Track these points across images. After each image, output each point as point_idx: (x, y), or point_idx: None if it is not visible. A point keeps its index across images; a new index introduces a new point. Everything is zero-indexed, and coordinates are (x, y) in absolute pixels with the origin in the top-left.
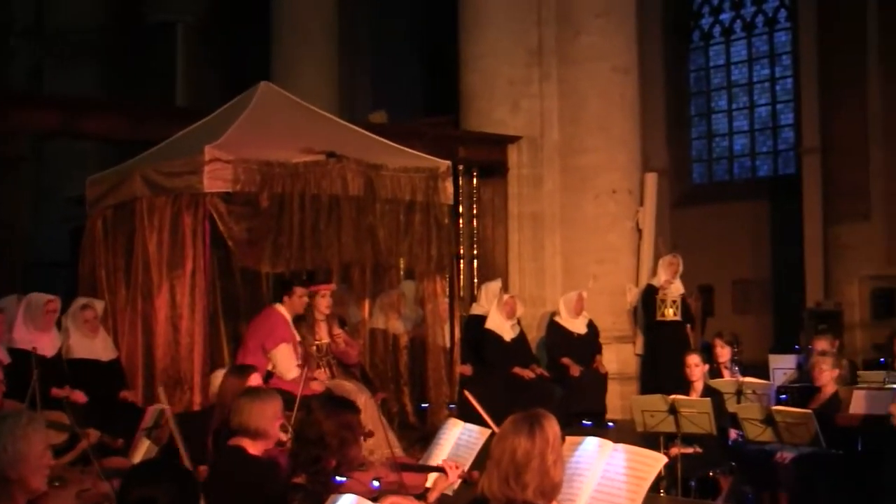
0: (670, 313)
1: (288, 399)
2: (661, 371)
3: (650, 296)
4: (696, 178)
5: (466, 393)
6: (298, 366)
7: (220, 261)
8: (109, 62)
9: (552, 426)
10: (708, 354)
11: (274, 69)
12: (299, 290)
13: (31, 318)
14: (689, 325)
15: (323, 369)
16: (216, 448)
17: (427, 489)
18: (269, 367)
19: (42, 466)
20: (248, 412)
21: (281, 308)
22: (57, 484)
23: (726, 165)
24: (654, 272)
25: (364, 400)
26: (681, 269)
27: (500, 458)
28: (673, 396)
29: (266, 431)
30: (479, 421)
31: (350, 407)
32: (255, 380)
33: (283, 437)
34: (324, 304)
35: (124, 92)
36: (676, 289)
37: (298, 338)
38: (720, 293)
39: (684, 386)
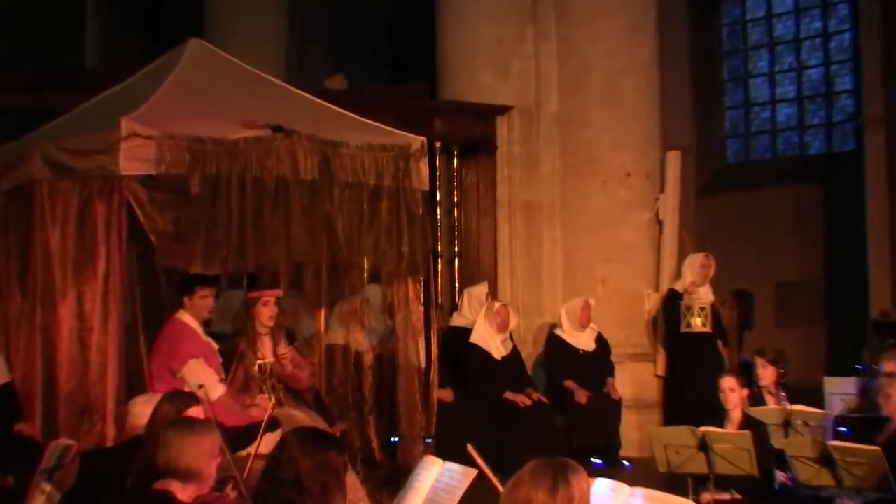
0: (698, 323)
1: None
2: (688, 396)
3: (673, 302)
4: (731, 156)
5: (471, 448)
6: (222, 380)
7: (139, 260)
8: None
9: (580, 483)
10: (747, 376)
11: (207, 25)
12: (201, 291)
13: None
14: (721, 341)
15: (267, 395)
16: (137, 494)
17: None
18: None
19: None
20: (178, 449)
21: (184, 316)
22: None
23: (768, 141)
24: (678, 274)
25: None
26: (713, 272)
27: None
28: (704, 428)
29: (200, 473)
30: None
31: (333, 444)
32: (195, 411)
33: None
34: (267, 314)
35: (24, 55)
36: (706, 294)
37: (215, 344)
38: (761, 300)
39: (718, 415)
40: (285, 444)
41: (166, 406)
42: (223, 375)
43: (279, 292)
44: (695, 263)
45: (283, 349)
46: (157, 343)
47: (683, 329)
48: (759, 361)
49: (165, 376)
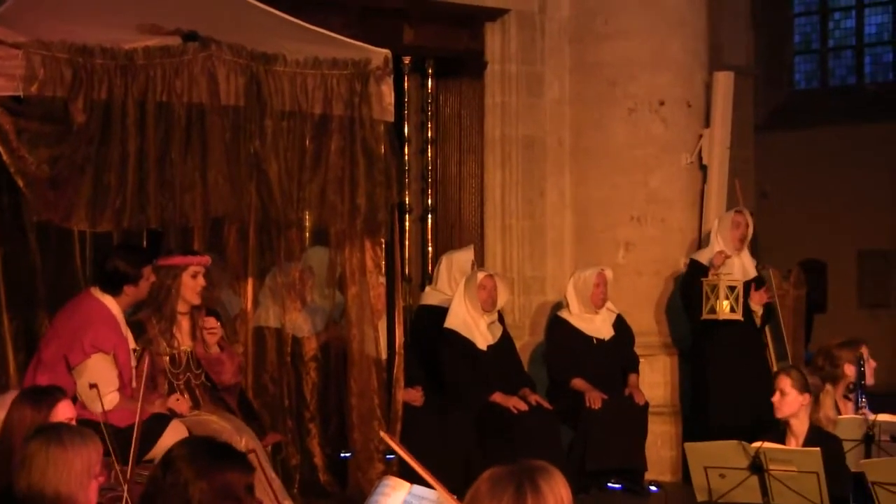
0: (724, 308)
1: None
2: (715, 403)
3: (695, 278)
4: (801, 81)
5: (384, 434)
6: (118, 390)
7: (2, 213)
8: None
9: (556, 489)
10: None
11: None
12: (147, 270)
13: None
14: (767, 327)
15: (181, 395)
16: None
17: None
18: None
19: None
20: (44, 467)
21: (103, 296)
22: None
23: (851, 61)
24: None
25: (245, 446)
26: (750, 232)
27: None
28: (758, 444)
29: (72, 499)
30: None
31: (235, 459)
32: (64, 412)
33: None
34: (194, 287)
35: None
36: (741, 267)
37: (133, 343)
38: (838, 274)
39: (774, 427)
40: (169, 463)
41: (24, 410)
42: (131, 385)
43: (208, 259)
44: (724, 224)
45: (212, 323)
46: (60, 323)
47: (705, 315)
48: (835, 354)
49: (58, 369)
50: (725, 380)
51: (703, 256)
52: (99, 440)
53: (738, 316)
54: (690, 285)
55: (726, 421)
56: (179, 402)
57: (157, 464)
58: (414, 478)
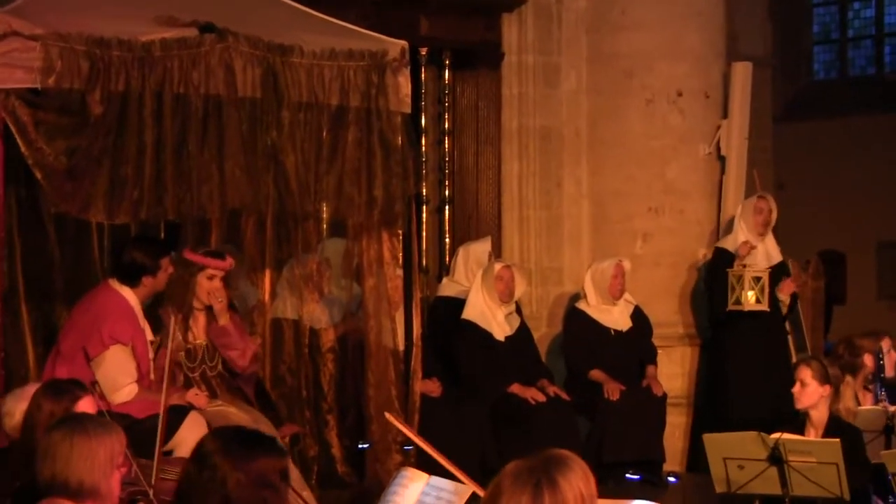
0: (750, 299)
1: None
2: (735, 392)
3: (720, 267)
4: (820, 71)
5: (389, 416)
6: (138, 380)
7: (21, 204)
8: None
9: (575, 481)
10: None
11: None
12: (166, 262)
13: None
14: (787, 319)
15: (198, 388)
16: None
17: None
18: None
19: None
20: (66, 459)
21: (122, 287)
22: None
23: (871, 51)
24: (728, 228)
25: None
26: (774, 218)
27: None
28: (777, 435)
29: (96, 489)
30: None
31: (268, 445)
32: (86, 405)
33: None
34: (208, 289)
35: None
36: (766, 253)
37: (150, 335)
38: (857, 264)
39: (794, 417)
40: (202, 458)
41: (47, 402)
42: (149, 377)
43: (230, 264)
44: (747, 210)
45: (224, 312)
46: (78, 314)
47: (731, 306)
48: (856, 344)
49: (77, 360)
50: (747, 371)
51: (728, 243)
52: (122, 430)
53: (765, 307)
54: (716, 274)
55: (747, 413)
56: (198, 396)
57: (188, 460)
58: (432, 469)
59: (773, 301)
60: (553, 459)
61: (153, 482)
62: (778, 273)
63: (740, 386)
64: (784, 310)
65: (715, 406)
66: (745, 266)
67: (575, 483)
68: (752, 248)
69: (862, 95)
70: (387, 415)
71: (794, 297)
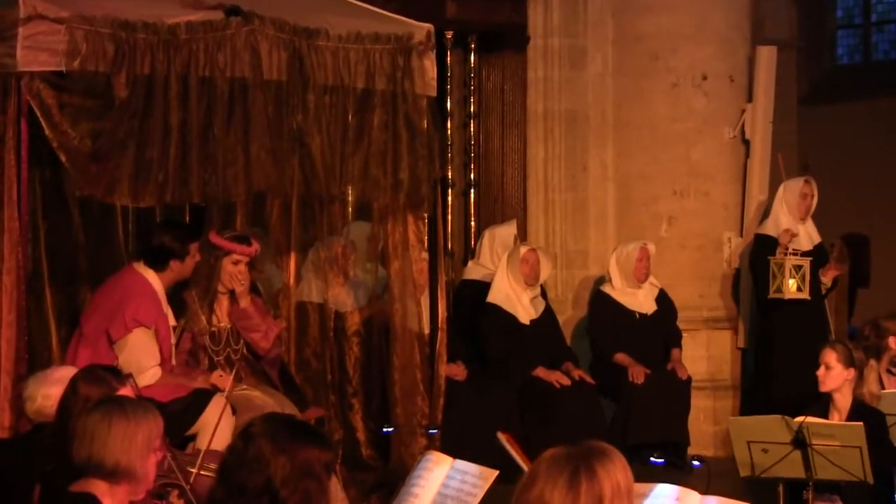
0: (791, 287)
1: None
2: (780, 381)
3: (762, 254)
4: (844, 55)
5: (503, 436)
6: (160, 365)
7: (45, 187)
8: None
9: (612, 474)
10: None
11: None
12: (195, 247)
13: None
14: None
15: (223, 371)
16: (49, 499)
17: None
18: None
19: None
20: (104, 440)
21: (147, 270)
22: None
23: (894, 35)
24: (766, 212)
25: None
26: (815, 203)
27: None
28: (801, 419)
29: (132, 471)
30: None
31: (317, 437)
32: (127, 392)
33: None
34: (234, 273)
35: None
36: (808, 236)
37: (173, 321)
38: (881, 248)
39: (818, 401)
40: (250, 438)
41: (84, 388)
42: (171, 361)
43: (255, 249)
44: (792, 193)
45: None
46: (101, 297)
47: (773, 294)
48: (882, 326)
49: (100, 343)
50: (791, 355)
51: (769, 229)
52: (160, 414)
53: (805, 295)
54: (758, 261)
55: (792, 397)
56: (223, 378)
57: (236, 436)
58: (457, 453)
59: (815, 287)
60: (594, 449)
61: (193, 477)
62: (818, 255)
63: (785, 370)
64: (823, 291)
65: (761, 390)
66: (786, 254)
67: (613, 474)
68: (794, 235)
69: (886, 79)
70: (500, 435)
71: (835, 280)
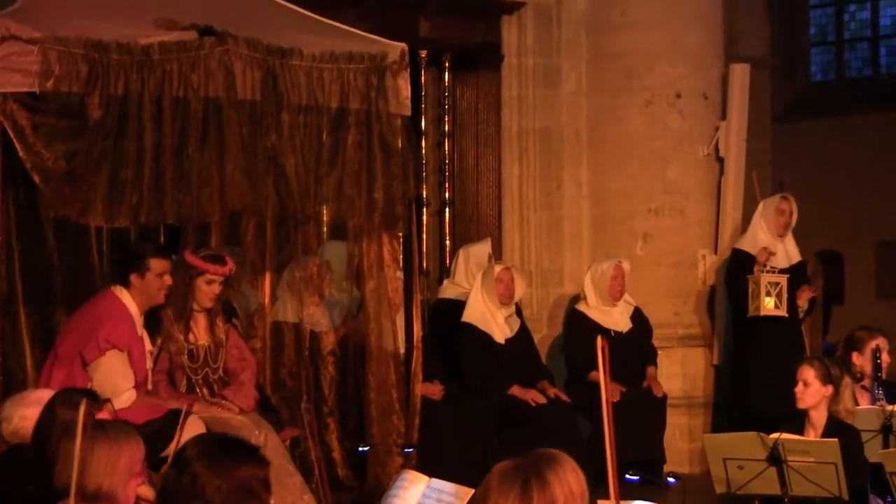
0: (768, 305)
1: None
2: (755, 394)
3: (738, 269)
4: (817, 72)
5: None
6: (135, 387)
7: (19, 208)
8: None
9: (564, 480)
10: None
11: None
12: (157, 265)
13: None
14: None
15: (199, 391)
16: None
17: None
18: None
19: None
20: (88, 462)
21: (123, 293)
22: None
23: (867, 52)
24: (743, 228)
25: (263, 441)
26: (794, 219)
27: None
28: (776, 435)
29: (113, 496)
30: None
31: (248, 454)
32: (107, 416)
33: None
34: (208, 293)
35: None
36: (785, 254)
37: (149, 345)
38: (855, 264)
39: (794, 418)
40: (183, 463)
41: (66, 410)
42: (147, 385)
43: (230, 269)
44: (768, 210)
45: (221, 326)
46: (77, 319)
47: (751, 312)
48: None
49: (74, 365)
50: (768, 373)
51: (747, 244)
52: (142, 439)
53: (783, 312)
54: (735, 276)
55: (769, 414)
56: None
57: (169, 464)
58: (432, 472)
59: (792, 304)
60: (543, 457)
61: None
62: (796, 273)
63: (762, 387)
64: (800, 314)
65: (737, 408)
66: (763, 272)
67: (565, 479)
68: (771, 254)
69: (859, 96)
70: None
71: (811, 301)
